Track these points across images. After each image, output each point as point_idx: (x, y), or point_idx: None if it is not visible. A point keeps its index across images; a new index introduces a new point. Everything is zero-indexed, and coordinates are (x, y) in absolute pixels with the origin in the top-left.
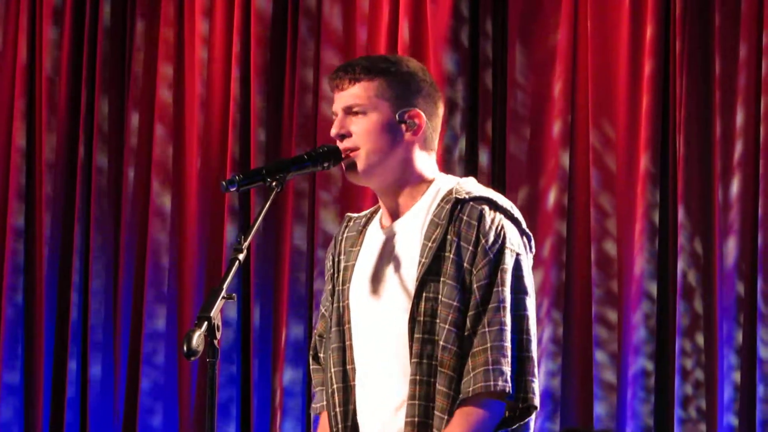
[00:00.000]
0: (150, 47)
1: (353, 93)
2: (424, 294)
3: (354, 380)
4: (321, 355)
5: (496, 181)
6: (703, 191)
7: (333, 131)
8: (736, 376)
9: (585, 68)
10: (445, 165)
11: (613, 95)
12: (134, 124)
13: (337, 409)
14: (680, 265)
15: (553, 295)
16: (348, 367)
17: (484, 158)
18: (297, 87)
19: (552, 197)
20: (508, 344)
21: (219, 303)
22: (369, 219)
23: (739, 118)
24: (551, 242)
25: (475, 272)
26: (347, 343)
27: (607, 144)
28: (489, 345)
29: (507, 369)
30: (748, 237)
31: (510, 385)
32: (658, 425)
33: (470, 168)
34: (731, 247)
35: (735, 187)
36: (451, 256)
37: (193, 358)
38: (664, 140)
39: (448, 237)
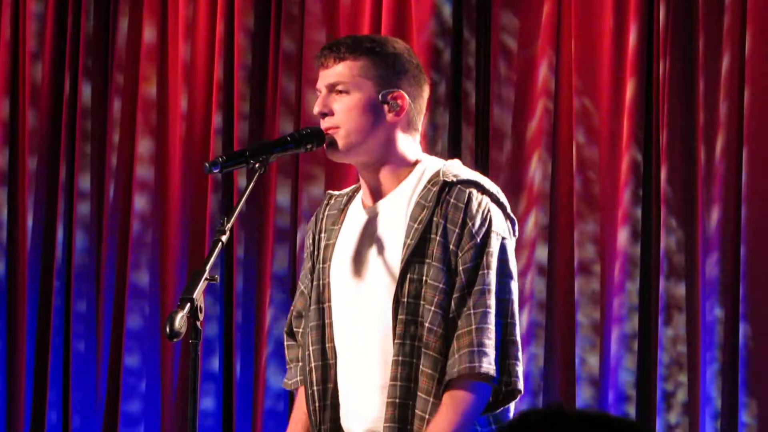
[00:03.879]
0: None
1: (337, 71)
2: (408, 275)
3: (333, 358)
4: (296, 330)
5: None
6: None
7: (315, 109)
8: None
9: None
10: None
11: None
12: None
13: (315, 387)
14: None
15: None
16: (327, 345)
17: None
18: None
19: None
20: (492, 327)
21: (202, 284)
22: (351, 197)
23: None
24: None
25: (460, 255)
26: (327, 321)
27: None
28: (474, 327)
29: (491, 351)
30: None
31: (494, 367)
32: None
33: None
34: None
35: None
36: (438, 238)
37: (175, 340)
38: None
39: (435, 219)
